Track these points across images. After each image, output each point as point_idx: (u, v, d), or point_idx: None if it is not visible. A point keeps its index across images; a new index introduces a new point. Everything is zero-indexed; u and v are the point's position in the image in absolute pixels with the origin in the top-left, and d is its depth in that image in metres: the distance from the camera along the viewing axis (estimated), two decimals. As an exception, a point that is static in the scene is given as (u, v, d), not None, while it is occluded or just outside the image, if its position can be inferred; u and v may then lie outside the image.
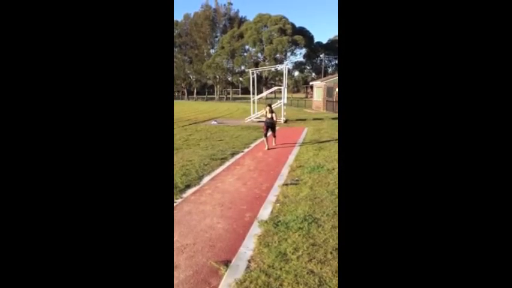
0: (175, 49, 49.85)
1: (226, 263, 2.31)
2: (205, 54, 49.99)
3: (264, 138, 7.50)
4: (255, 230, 2.90)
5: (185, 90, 54.54)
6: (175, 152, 6.69)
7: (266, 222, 3.02)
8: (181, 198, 3.79)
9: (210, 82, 51.63)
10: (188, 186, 4.22)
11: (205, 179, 4.62)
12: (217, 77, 47.37)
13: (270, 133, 7.50)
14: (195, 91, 54.20)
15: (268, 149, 7.12)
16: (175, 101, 39.84)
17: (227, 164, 5.62)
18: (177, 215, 3.28)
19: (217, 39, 50.25)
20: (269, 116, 7.49)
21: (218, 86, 50.26)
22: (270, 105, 7.69)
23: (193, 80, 51.95)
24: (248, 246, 2.58)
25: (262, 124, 7.93)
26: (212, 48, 50.86)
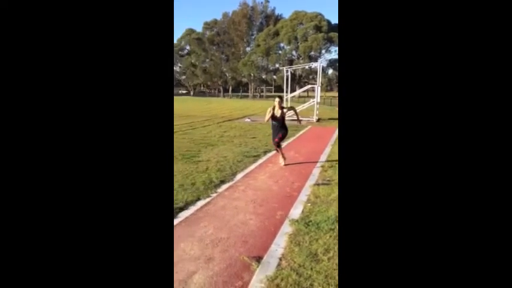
0: (213, 47, 51.04)
1: (258, 259, 2.38)
2: (241, 52, 50.62)
3: (278, 151, 5.38)
4: (286, 228, 2.93)
5: (221, 88, 55.70)
6: (211, 147, 6.92)
7: (297, 221, 3.05)
8: (216, 193, 3.94)
9: (244, 80, 52.22)
10: (222, 182, 4.36)
11: (239, 176, 4.73)
12: (252, 74, 47.75)
13: (282, 143, 5.32)
14: (230, 89, 55.15)
15: (285, 165, 5.31)
16: (211, 98, 40.79)
17: (260, 161, 5.70)
18: (212, 208, 3.41)
19: (253, 37, 50.62)
20: (278, 112, 5.10)
21: (252, 84, 50.68)
22: (280, 97, 5.29)
23: (229, 77, 52.85)
24: (279, 244, 2.63)
25: (274, 125, 5.24)
26: (248, 46, 51.37)
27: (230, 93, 54.51)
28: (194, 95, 55.58)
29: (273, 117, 5.12)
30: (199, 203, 3.56)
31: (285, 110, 5.20)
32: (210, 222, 3.07)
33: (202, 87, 59.95)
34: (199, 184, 4.18)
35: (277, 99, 5.15)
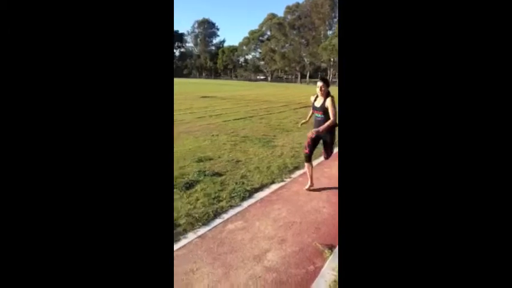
0: (294, 31, 50.35)
1: (331, 248, 2.36)
2: (322, 36, 48.76)
3: (306, 168, 3.59)
4: (362, 222, 2.82)
5: (298, 74, 54.99)
6: (286, 133, 6.98)
7: (375, 216, 2.89)
8: (290, 178, 4.00)
9: (323, 65, 50.39)
10: (297, 168, 4.40)
11: (313, 163, 4.67)
12: (332, 59, 45.69)
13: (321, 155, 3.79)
14: (308, 74, 53.99)
15: (308, 189, 3.56)
16: (288, 84, 40.67)
17: (335, 150, 5.51)
18: (286, 193, 3.49)
19: (335, 19, 48.07)
20: (319, 102, 3.31)
21: (331, 70, 48.58)
22: (325, 80, 3.33)
23: (307, 62, 51.67)
24: (354, 237, 2.55)
25: (317, 120, 3.41)
26: (330, 29, 49.14)
27: (307, 79, 53.36)
28: (271, 80, 56.24)
29: (315, 109, 3.37)
30: (274, 186, 3.68)
31: (328, 101, 3.22)
32: (284, 205, 3.15)
33: (279, 73, 60.13)
34: (274, 168, 4.30)
35: (319, 84, 3.28)
